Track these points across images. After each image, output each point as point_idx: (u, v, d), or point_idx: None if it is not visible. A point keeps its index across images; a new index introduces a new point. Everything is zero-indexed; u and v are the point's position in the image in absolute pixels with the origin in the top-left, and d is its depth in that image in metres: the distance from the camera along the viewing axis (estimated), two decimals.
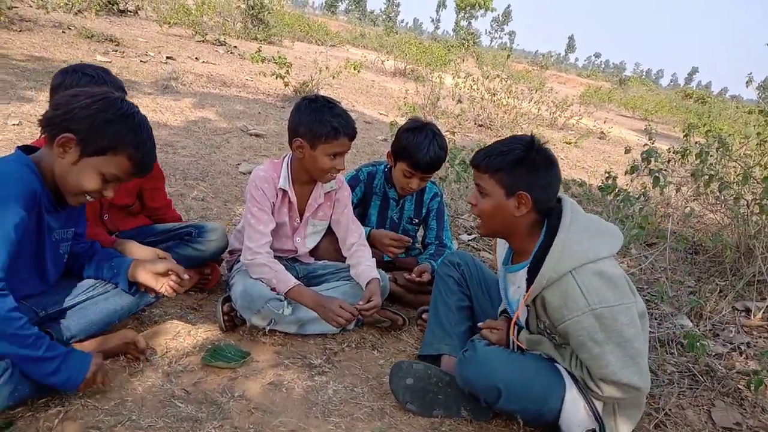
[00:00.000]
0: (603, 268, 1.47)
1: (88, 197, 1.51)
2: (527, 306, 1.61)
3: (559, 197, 1.64)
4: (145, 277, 1.71)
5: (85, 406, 1.51)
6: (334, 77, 7.89)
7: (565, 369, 1.61)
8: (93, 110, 1.43)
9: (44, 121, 1.44)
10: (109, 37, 8.69)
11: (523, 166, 1.55)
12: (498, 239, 1.86)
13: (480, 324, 1.84)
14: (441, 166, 2.50)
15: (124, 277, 1.71)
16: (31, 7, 9.38)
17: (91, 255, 1.77)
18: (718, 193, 3.69)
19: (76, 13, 10.24)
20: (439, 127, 2.54)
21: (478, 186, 1.63)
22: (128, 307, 1.78)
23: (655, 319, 2.65)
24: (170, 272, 1.73)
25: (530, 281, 1.54)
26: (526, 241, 1.64)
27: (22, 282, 1.53)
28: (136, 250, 1.93)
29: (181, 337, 1.94)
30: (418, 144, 2.37)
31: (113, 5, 12.65)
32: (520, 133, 1.71)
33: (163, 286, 1.71)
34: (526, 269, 1.59)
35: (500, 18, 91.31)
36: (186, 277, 1.76)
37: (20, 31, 7.77)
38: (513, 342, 1.73)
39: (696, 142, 4.10)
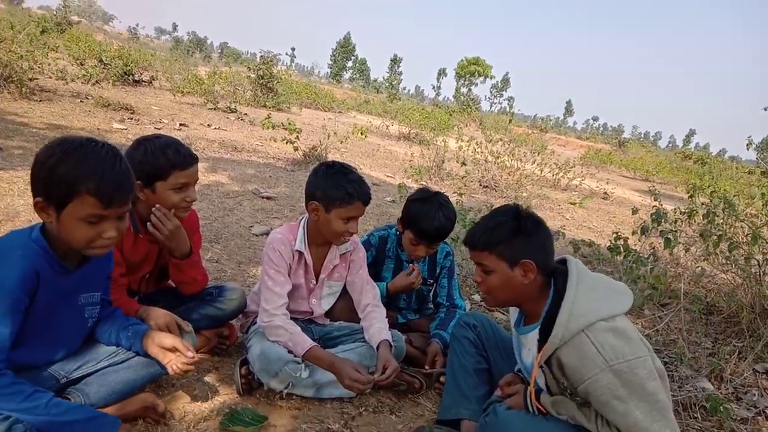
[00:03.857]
0: (614, 324, 1.48)
1: (99, 249, 1.45)
2: (541, 367, 1.60)
3: (564, 258, 1.67)
4: (153, 350, 1.69)
5: None
6: (342, 142, 8.12)
7: None
8: (39, 165, 1.38)
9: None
10: (124, 105, 9.04)
11: (518, 235, 1.60)
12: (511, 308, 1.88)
13: (500, 384, 1.82)
14: (447, 235, 2.53)
15: (141, 346, 1.71)
16: (50, 78, 9.81)
17: (112, 321, 1.78)
18: (728, 253, 3.70)
19: (93, 84, 10.71)
20: (446, 189, 2.60)
21: (480, 265, 1.65)
22: (149, 377, 1.78)
23: (675, 381, 2.59)
24: (175, 348, 1.68)
25: (542, 342, 1.54)
26: (536, 304, 1.65)
27: (32, 352, 1.55)
28: (157, 316, 1.91)
29: (198, 400, 1.92)
30: (425, 214, 2.41)
31: (129, 76, 13.24)
32: (499, 205, 1.77)
33: (170, 364, 1.67)
34: (537, 331, 1.59)
35: (499, 84, 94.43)
36: (190, 355, 1.68)
37: (40, 101, 8.11)
38: (531, 405, 1.70)
39: (702, 204, 4.15)
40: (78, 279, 1.59)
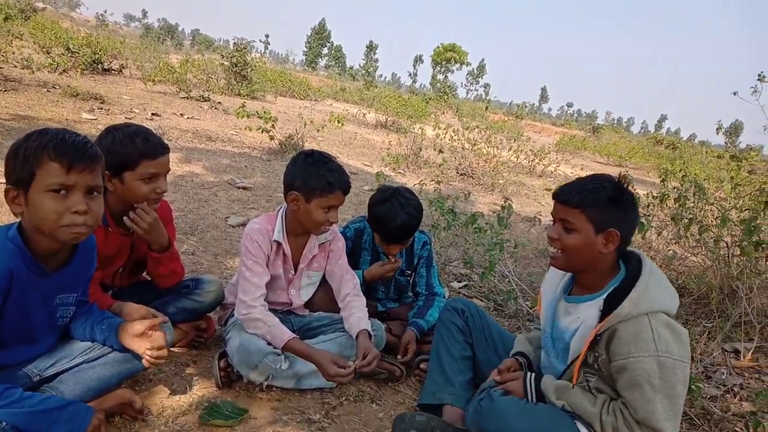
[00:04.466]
0: (673, 322, 1.53)
1: (70, 228, 1.40)
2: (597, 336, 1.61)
3: (633, 251, 1.70)
4: (128, 341, 1.67)
5: None
6: (318, 130, 8.05)
7: (583, 424, 1.60)
8: (10, 152, 1.41)
9: None
10: (94, 95, 8.80)
11: (616, 204, 1.60)
12: (549, 272, 1.89)
13: (496, 375, 1.84)
14: (414, 232, 2.53)
15: (115, 339, 1.68)
16: (15, 67, 9.48)
17: (87, 316, 1.75)
18: (698, 236, 3.79)
19: (60, 73, 10.38)
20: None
21: (564, 221, 1.64)
22: (125, 373, 1.75)
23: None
24: (147, 333, 1.67)
25: (604, 313, 1.56)
26: (600, 278, 1.67)
27: (10, 351, 1.53)
28: (132, 310, 1.89)
29: (176, 395, 1.90)
30: (386, 215, 2.40)
31: (98, 64, 12.87)
32: (600, 173, 1.75)
33: (144, 353, 1.65)
34: (599, 300, 1.62)
35: (475, 71, 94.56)
36: (162, 342, 1.67)
37: (5, 90, 7.84)
38: (531, 390, 1.72)
39: (674, 187, 4.24)
40: (56, 281, 1.56)
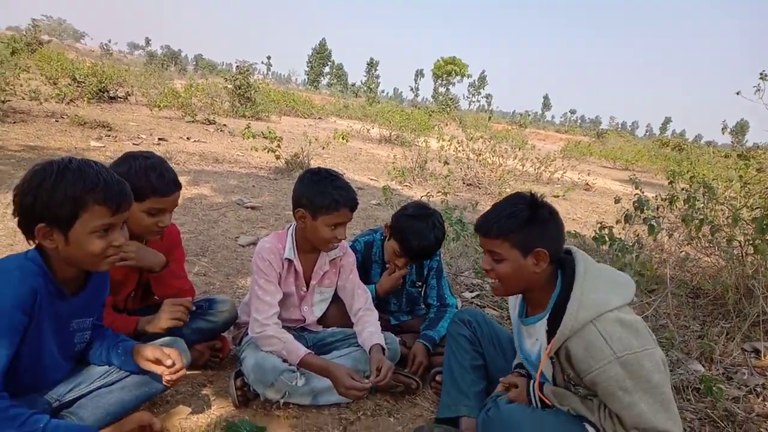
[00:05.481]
0: (622, 315, 1.48)
1: (109, 259, 1.48)
2: (551, 359, 1.59)
3: (569, 249, 1.67)
4: (144, 364, 1.68)
5: None
6: (323, 147, 8.10)
7: (592, 426, 1.57)
8: (34, 191, 1.37)
9: (18, 225, 1.43)
10: (101, 123, 8.94)
11: (533, 224, 1.58)
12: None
13: (501, 381, 1.82)
14: (431, 256, 2.54)
15: (132, 362, 1.69)
16: (23, 99, 9.64)
17: (101, 340, 1.75)
18: (710, 237, 3.76)
19: (68, 103, 10.56)
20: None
21: (492, 252, 1.63)
22: (144, 396, 1.76)
23: (667, 365, 2.63)
24: (157, 360, 1.67)
25: (551, 333, 1.54)
26: (543, 293, 1.65)
27: (29, 376, 1.53)
28: (159, 319, 1.91)
29: (194, 415, 1.90)
30: (417, 231, 2.40)
31: (104, 93, 13.08)
32: (512, 192, 1.74)
33: (163, 374, 1.66)
34: (545, 321, 1.59)
35: (476, 83, 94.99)
36: (169, 362, 1.66)
37: (14, 122, 7.97)
38: (535, 398, 1.70)
39: (682, 189, 4.22)
40: (73, 306, 1.57)
